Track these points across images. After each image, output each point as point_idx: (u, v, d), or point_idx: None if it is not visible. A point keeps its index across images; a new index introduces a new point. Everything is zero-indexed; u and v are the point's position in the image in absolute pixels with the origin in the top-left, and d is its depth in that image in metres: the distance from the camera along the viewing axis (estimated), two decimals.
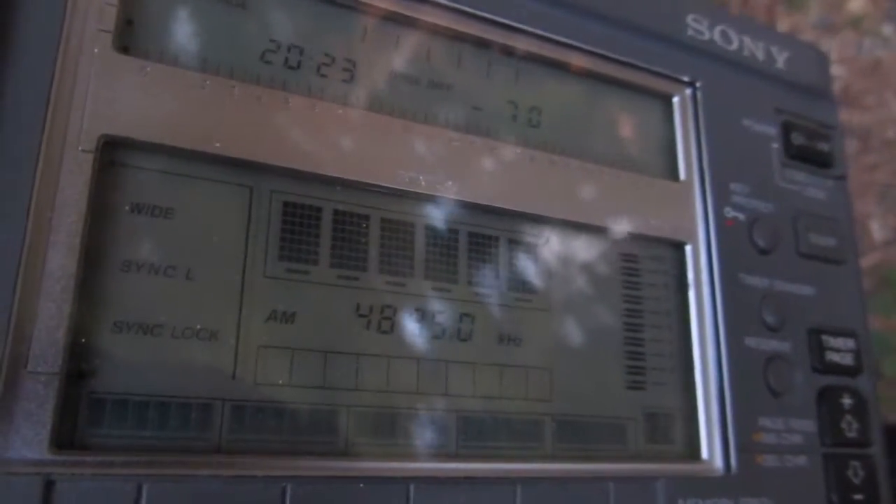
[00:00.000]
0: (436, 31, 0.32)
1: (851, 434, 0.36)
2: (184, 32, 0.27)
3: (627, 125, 0.37)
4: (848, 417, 0.36)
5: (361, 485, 0.25)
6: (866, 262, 0.83)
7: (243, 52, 0.28)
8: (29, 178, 0.23)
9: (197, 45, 0.27)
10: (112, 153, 0.25)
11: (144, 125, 0.25)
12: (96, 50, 0.25)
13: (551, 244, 0.33)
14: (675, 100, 0.38)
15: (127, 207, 0.25)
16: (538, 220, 0.32)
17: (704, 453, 0.33)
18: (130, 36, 0.26)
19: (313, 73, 0.29)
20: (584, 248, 0.34)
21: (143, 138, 0.25)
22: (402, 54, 0.32)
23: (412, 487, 0.26)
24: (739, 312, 0.35)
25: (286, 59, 0.29)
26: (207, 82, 0.27)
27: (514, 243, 0.32)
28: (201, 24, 0.28)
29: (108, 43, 0.25)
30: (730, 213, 0.37)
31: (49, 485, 0.21)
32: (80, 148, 0.24)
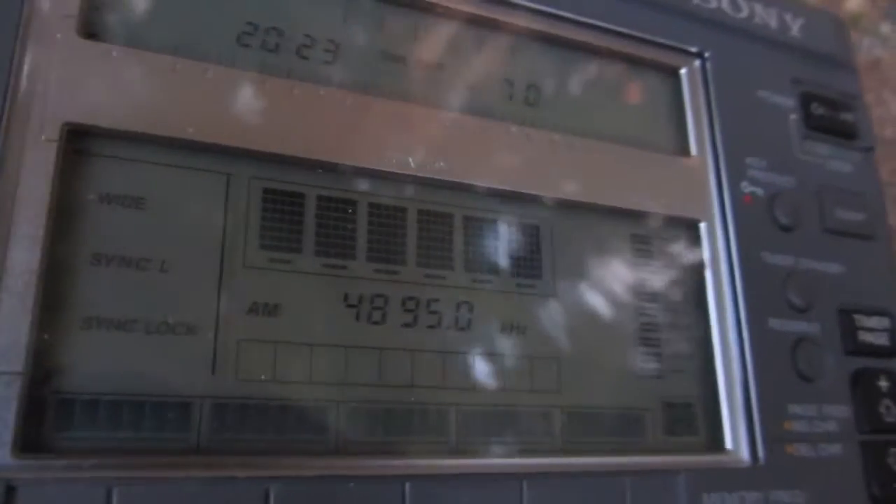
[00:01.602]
0: (423, 7, 0.31)
1: (890, 419, 0.34)
2: (154, 15, 0.26)
3: (633, 100, 0.35)
4: (886, 401, 0.34)
5: (352, 484, 0.24)
6: None
7: (218, 35, 0.27)
8: None
9: (167, 27, 0.26)
10: (77, 142, 0.24)
11: (111, 112, 0.24)
12: (59, 35, 0.24)
13: (555, 226, 0.31)
14: (683, 72, 0.36)
15: (95, 198, 0.24)
16: (539, 201, 0.31)
17: (729, 444, 0.31)
18: (96, 20, 0.25)
19: (293, 54, 0.28)
20: (591, 230, 0.32)
21: (110, 125, 0.24)
22: (387, 33, 0.30)
23: (408, 486, 0.24)
24: (762, 293, 0.33)
25: (264, 42, 0.28)
26: (178, 65, 0.25)
27: (515, 226, 0.30)
28: (172, 6, 0.26)
29: (72, 27, 0.24)
30: (747, 188, 0.35)
31: (10, 491, 0.20)
32: (42, 137, 0.23)
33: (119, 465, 0.22)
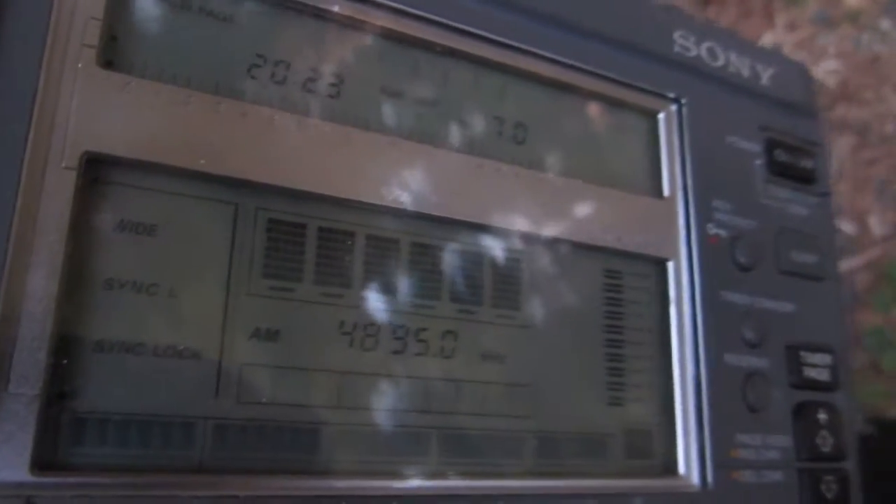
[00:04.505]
0: (423, 46, 0.32)
1: (826, 449, 0.37)
2: (169, 47, 0.27)
3: (612, 142, 0.37)
4: (823, 432, 0.37)
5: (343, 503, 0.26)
6: (865, 257, 0.83)
7: (229, 68, 0.28)
8: (10, 197, 0.23)
9: (182, 60, 0.27)
10: (95, 170, 0.25)
11: (128, 142, 0.25)
12: (80, 65, 0.25)
13: (534, 261, 0.33)
14: (661, 116, 0.38)
15: (110, 225, 0.25)
16: (522, 236, 0.33)
17: (682, 469, 0.34)
18: (115, 51, 0.26)
19: (299, 88, 0.29)
20: (567, 265, 0.34)
21: (126, 155, 0.25)
22: (389, 70, 0.31)
23: None
24: (720, 329, 0.36)
25: (272, 74, 0.29)
26: (192, 98, 0.26)
27: (498, 260, 0.32)
28: (186, 39, 0.27)
29: (92, 58, 0.25)
30: (712, 229, 0.37)
31: None
32: (62, 165, 0.24)
33: (129, 484, 0.23)
